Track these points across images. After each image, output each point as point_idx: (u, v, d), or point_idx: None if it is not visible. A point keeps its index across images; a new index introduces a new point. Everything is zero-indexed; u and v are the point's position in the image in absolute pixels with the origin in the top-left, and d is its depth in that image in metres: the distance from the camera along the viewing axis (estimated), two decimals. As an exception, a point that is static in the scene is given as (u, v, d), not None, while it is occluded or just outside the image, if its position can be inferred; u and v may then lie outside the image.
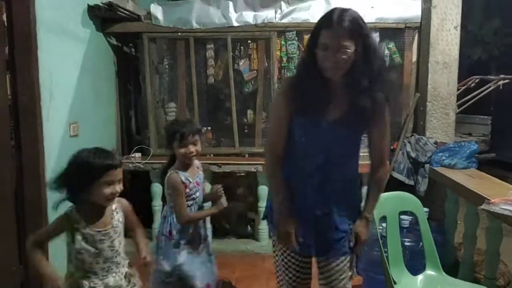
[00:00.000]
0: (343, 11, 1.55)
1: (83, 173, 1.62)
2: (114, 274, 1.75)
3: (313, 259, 1.83)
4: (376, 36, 3.58)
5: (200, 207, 2.33)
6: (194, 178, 2.28)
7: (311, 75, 1.61)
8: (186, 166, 2.26)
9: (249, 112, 3.79)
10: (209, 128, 3.81)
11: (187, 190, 2.22)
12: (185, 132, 2.19)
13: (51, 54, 2.69)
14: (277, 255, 1.86)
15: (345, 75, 1.58)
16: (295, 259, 1.81)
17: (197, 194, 2.28)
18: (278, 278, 1.88)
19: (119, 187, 1.68)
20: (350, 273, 1.80)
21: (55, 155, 2.76)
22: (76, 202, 1.69)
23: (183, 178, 2.21)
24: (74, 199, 1.68)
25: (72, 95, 3.01)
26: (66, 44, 2.96)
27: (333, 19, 1.53)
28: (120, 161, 1.70)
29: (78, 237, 1.67)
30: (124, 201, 1.83)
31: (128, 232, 1.87)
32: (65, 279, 1.74)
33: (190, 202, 2.24)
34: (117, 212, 1.77)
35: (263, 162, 3.43)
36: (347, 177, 1.73)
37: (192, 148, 2.22)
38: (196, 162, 2.35)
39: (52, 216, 2.66)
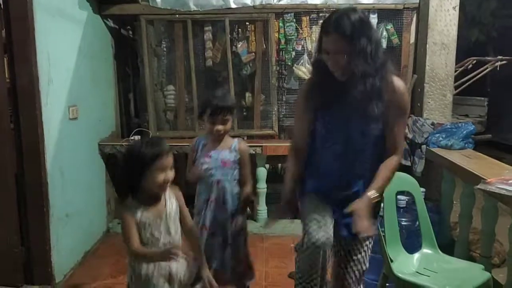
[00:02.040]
0: (341, 15, 1.61)
1: (137, 163, 1.67)
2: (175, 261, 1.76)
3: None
4: (374, 18, 3.58)
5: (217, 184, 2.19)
6: (210, 150, 2.19)
7: (323, 75, 1.73)
8: (214, 137, 2.19)
9: (248, 94, 3.80)
10: (200, 112, 3.81)
11: (194, 154, 2.23)
12: (215, 109, 2.10)
13: (48, 37, 2.67)
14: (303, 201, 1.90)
15: (352, 74, 1.65)
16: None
17: (206, 166, 2.18)
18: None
19: (171, 173, 1.71)
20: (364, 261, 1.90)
21: (54, 138, 2.77)
22: (134, 193, 1.73)
23: (195, 140, 2.24)
24: (131, 191, 1.72)
25: (70, 78, 3.00)
26: (63, 26, 2.93)
27: (330, 25, 1.62)
28: (168, 148, 1.73)
29: (135, 226, 1.72)
30: (176, 189, 1.84)
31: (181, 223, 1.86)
32: (129, 265, 1.78)
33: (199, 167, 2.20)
34: (169, 198, 1.79)
35: (261, 144, 3.48)
36: (367, 167, 1.78)
37: (219, 127, 2.13)
38: (231, 141, 2.23)
39: (53, 198, 2.70)
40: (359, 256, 1.89)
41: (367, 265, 1.94)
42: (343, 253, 1.91)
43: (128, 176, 1.72)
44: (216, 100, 2.13)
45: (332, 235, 1.73)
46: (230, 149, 2.21)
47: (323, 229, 1.70)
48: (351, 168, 1.79)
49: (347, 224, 1.77)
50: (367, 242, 1.89)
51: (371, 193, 1.69)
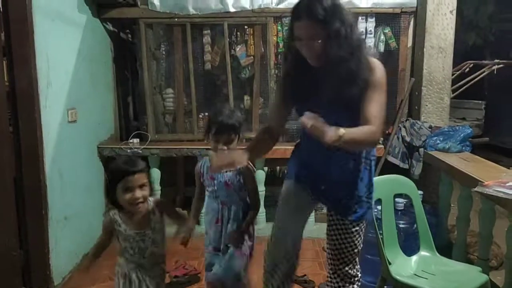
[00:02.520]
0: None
1: (109, 179, 1.76)
2: (162, 265, 1.87)
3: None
4: (372, 22, 3.60)
5: (223, 203, 2.12)
6: (212, 173, 2.09)
7: (296, 64, 1.71)
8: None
9: (246, 98, 3.81)
10: (206, 114, 3.83)
11: (200, 178, 2.17)
12: (220, 127, 1.99)
13: (47, 40, 2.68)
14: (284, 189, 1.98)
15: (326, 59, 1.62)
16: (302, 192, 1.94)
17: (211, 188, 2.12)
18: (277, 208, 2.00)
19: (140, 193, 1.71)
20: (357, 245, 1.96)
21: (53, 141, 2.77)
22: (115, 203, 1.78)
23: (199, 165, 2.17)
24: (115, 203, 1.78)
25: (69, 81, 3.01)
26: (62, 30, 2.94)
27: (300, 10, 1.58)
28: (140, 167, 1.73)
29: (120, 237, 1.80)
30: (158, 201, 1.89)
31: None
32: (116, 269, 1.86)
33: (207, 193, 2.17)
34: (154, 214, 1.81)
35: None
36: (348, 154, 1.78)
37: (223, 147, 2.00)
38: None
39: (52, 201, 2.70)
40: (351, 239, 1.93)
41: (360, 247, 2.00)
42: (334, 236, 1.96)
43: (107, 191, 1.79)
44: (222, 117, 2.01)
45: (299, 235, 1.95)
46: (235, 170, 2.07)
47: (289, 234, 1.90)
48: (333, 158, 1.78)
49: (338, 205, 1.88)
50: (361, 224, 1.94)
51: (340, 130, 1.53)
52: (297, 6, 1.61)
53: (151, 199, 1.84)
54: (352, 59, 1.60)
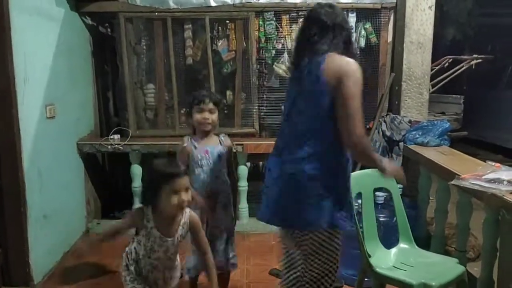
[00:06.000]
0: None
1: (153, 180, 1.79)
2: (160, 275, 1.88)
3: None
4: (352, 17, 3.63)
5: (215, 176, 2.35)
6: (204, 147, 2.33)
7: None
8: (201, 133, 2.35)
9: (228, 93, 3.80)
10: (188, 109, 3.81)
11: (191, 154, 2.34)
12: (203, 97, 2.29)
13: (24, 35, 2.63)
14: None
15: None
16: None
17: (204, 162, 2.32)
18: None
19: (185, 196, 1.76)
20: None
21: (31, 138, 2.72)
22: (152, 204, 1.81)
23: (186, 141, 2.35)
24: (150, 202, 1.81)
25: (47, 76, 2.96)
26: (40, 25, 2.89)
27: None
28: (184, 171, 1.82)
29: (143, 232, 1.82)
30: (194, 218, 1.92)
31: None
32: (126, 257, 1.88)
33: (196, 170, 2.33)
34: (183, 227, 1.86)
35: (242, 142, 3.49)
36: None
37: (207, 114, 2.29)
38: (221, 137, 2.41)
39: (31, 199, 2.66)
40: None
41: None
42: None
43: (147, 193, 1.84)
44: (204, 92, 2.40)
45: None
46: (221, 144, 2.39)
47: None
48: None
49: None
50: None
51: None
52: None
53: (188, 210, 1.89)
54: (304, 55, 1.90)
